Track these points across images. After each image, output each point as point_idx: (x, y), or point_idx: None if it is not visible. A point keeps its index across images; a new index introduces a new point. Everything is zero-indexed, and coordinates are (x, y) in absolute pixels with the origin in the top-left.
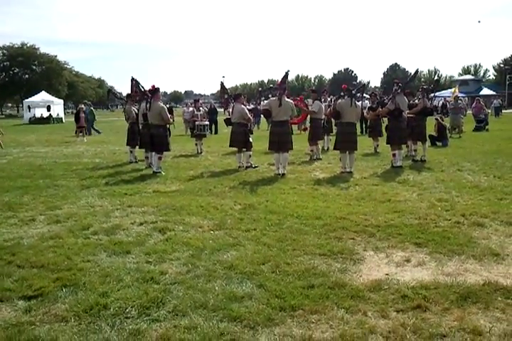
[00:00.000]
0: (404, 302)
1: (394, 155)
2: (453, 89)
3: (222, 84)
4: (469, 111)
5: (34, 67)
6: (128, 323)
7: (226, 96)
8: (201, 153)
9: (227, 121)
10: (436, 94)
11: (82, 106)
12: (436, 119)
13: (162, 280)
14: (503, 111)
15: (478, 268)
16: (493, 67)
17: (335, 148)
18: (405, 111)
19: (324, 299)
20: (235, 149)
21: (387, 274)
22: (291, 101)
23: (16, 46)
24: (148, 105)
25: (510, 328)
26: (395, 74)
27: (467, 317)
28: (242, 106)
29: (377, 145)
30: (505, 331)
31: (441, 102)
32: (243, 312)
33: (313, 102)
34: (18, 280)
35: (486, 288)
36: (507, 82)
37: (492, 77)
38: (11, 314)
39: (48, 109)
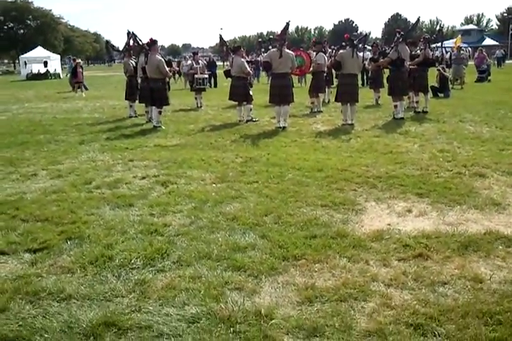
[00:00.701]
0: (406, 251)
1: (395, 106)
2: (455, 40)
3: (220, 36)
4: (471, 62)
5: (29, 22)
6: (133, 274)
7: (225, 48)
8: (201, 106)
9: (227, 73)
10: (439, 44)
11: (79, 60)
12: (438, 70)
13: (166, 232)
14: (505, 61)
15: (480, 218)
16: (496, 17)
17: (336, 100)
18: (407, 61)
19: (326, 249)
20: (235, 103)
21: (388, 224)
22: (292, 52)
23: (9, 0)
24: (146, 58)
25: (510, 276)
26: (396, 25)
27: (468, 265)
28: (242, 59)
29: (379, 97)
30: (505, 278)
31: (446, 53)
32: (247, 262)
33: (316, 54)
34: (23, 234)
35: (487, 236)
36: (510, 32)
37: (495, 26)
38: (17, 266)
39: (45, 64)
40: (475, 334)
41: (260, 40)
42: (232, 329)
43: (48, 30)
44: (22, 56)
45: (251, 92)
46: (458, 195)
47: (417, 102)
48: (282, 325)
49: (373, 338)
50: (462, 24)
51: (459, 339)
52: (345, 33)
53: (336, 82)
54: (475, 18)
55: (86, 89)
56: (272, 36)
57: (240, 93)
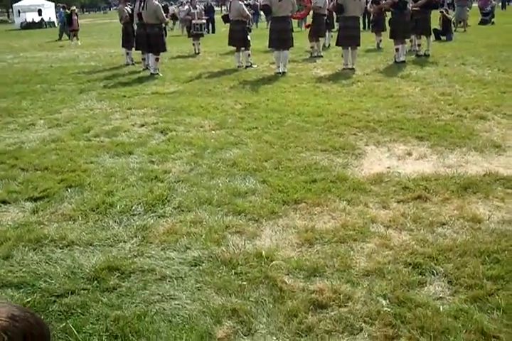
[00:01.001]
0: (405, 194)
1: (397, 49)
2: None
3: None
4: (475, 4)
5: None
6: (135, 220)
7: None
8: (199, 53)
9: (225, 18)
10: None
11: (74, 8)
12: (441, 12)
13: (166, 179)
14: (510, 3)
15: (479, 160)
16: None
17: (337, 44)
18: (410, 3)
19: (326, 192)
20: (233, 49)
21: (388, 167)
22: None
23: None
24: (142, 4)
25: (508, 216)
26: None
27: (467, 206)
28: (240, 2)
29: (380, 41)
30: (503, 218)
31: None
32: (247, 207)
33: None
34: (23, 183)
35: (487, 178)
36: None
37: None
38: (19, 215)
39: (39, 13)
40: (473, 273)
41: None
42: (233, 271)
43: None
44: (15, 4)
45: (249, 37)
46: (458, 137)
47: (419, 45)
48: (283, 266)
49: (372, 277)
50: None
51: (457, 278)
52: None
53: (336, 25)
54: None
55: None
56: None
57: (239, 38)
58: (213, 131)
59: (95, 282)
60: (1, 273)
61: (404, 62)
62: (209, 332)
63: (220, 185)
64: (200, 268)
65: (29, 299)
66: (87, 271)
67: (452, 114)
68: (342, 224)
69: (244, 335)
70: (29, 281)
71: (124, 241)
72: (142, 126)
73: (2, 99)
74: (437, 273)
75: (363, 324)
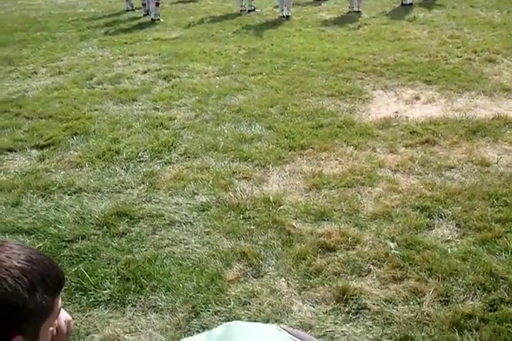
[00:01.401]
0: (413, 138)
1: None
2: None
3: None
4: None
5: None
6: (141, 166)
7: None
8: None
9: None
10: None
11: None
12: None
13: (171, 126)
14: None
15: (488, 103)
16: None
17: None
18: None
19: (333, 137)
20: None
21: (396, 112)
22: None
23: None
24: None
25: None
26: None
27: (475, 149)
28: None
29: None
30: None
31: None
32: (253, 153)
33: None
34: (28, 131)
35: (495, 122)
36: None
37: None
38: (25, 163)
39: None
40: (481, 215)
41: None
42: (241, 215)
43: None
44: None
45: None
46: (467, 81)
47: None
48: (290, 210)
49: (380, 220)
50: None
51: (465, 220)
52: None
53: None
54: None
55: None
56: None
57: None
58: (217, 77)
59: (105, 227)
60: (11, 220)
61: (411, 4)
62: (219, 275)
63: (226, 131)
64: (209, 213)
65: (40, 244)
66: (96, 216)
67: (461, 57)
68: (349, 169)
69: (254, 277)
70: (39, 227)
71: (131, 188)
72: (145, 72)
73: (2, 48)
74: (445, 216)
75: (371, 266)
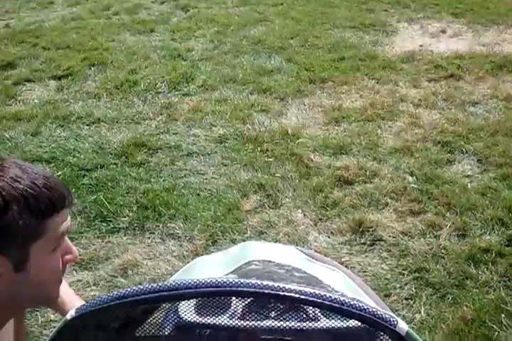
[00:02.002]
0: (437, 72)
1: None
2: None
3: None
4: None
5: None
6: (159, 98)
7: None
8: None
9: None
10: None
11: None
12: None
13: (189, 57)
14: None
15: None
16: None
17: None
18: None
19: (355, 71)
20: None
21: (421, 45)
22: None
23: None
24: None
25: None
26: None
27: (501, 85)
28: None
29: None
30: None
31: None
32: (273, 85)
33: None
34: (46, 62)
35: None
36: None
37: None
38: (44, 93)
39: None
40: (503, 151)
41: None
42: (259, 148)
43: None
44: None
45: None
46: (496, 14)
47: None
48: (309, 143)
49: (400, 155)
50: None
51: (487, 156)
52: None
53: None
54: None
55: None
56: None
57: None
58: (236, 8)
59: (123, 157)
60: (31, 149)
61: None
62: (236, 205)
63: (245, 63)
64: (226, 145)
65: (60, 173)
66: (115, 146)
67: None
68: (370, 103)
69: (271, 208)
70: (59, 156)
71: (149, 119)
72: (163, 3)
73: None
74: (467, 152)
75: (389, 199)
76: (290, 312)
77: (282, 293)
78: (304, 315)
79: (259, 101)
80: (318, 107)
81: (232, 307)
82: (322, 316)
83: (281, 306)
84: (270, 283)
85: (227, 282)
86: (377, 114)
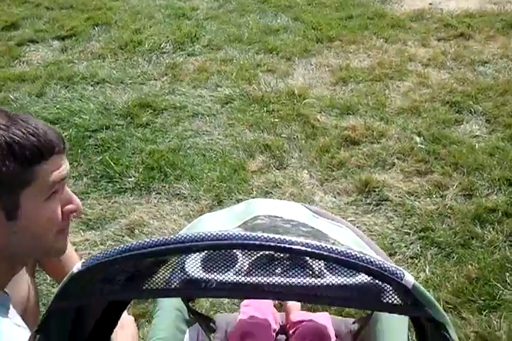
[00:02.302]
0: (447, 31)
1: None
2: None
3: None
4: None
5: None
6: (164, 58)
7: None
8: None
9: None
10: None
11: None
12: None
13: (194, 16)
14: None
15: None
16: None
17: None
18: None
19: (363, 29)
20: None
21: (430, 3)
22: None
23: None
24: None
25: None
26: None
27: (511, 44)
28: None
29: None
30: None
31: None
32: (279, 45)
33: None
34: (49, 22)
35: None
36: None
37: None
38: (48, 53)
39: None
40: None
41: None
42: (265, 108)
43: None
44: None
45: None
46: None
47: None
48: (315, 104)
49: (407, 115)
50: None
51: (496, 116)
52: None
53: None
54: None
55: None
56: None
57: None
58: None
59: (128, 118)
60: (36, 110)
61: None
62: (242, 166)
63: (251, 22)
64: (232, 105)
65: (65, 134)
66: (120, 107)
67: None
68: (378, 63)
69: (277, 169)
70: (64, 117)
71: (154, 79)
72: None
73: None
74: (475, 112)
75: (396, 160)
76: (296, 269)
77: (288, 246)
78: (310, 272)
79: (265, 61)
80: (325, 67)
81: (239, 264)
82: (328, 272)
83: (287, 263)
84: (276, 236)
85: (233, 235)
86: (385, 74)
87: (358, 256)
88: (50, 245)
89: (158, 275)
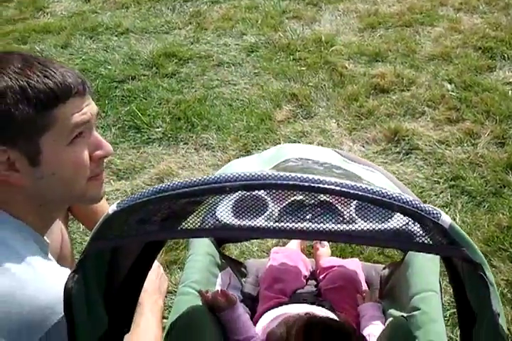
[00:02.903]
0: None
1: None
2: None
3: None
4: None
5: None
6: (188, 6)
7: None
8: None
9: None
10: None
11: None
12: None
13: None
14: None
15: None
16: None
17: None
18: None
19: None
20: None
21: None
22: None
23: None
24: None
25: None
26: None
27: None
28: None
29: None
30: None
31: None
32: None
33: None
34: None
35: None
36: None
37: None
38: (71, 4)
39: None
40: None
41: None
42: (291, 56)
43: None
44: None
45: None
46: None
47: None
48: (343, 51)
49: (438, 62)
50: None
51: None
52: None
53: None
54: None
55: None
56: None
57: None
58: None
59: (154, 68)
60: (62, 61)
61: None
62: (269, 115)
63: None
64: (258, 54)
65: (92, 85)
66: (145, 57)
67: None
68: (408, 8)
69: (304, 118)
70: (90, 68)
71: (178, 28)
72: None
73: None
74: (509, 58)
75: (426, 108)
76: (326, 216)
77: (323, 186)
78: (340, 218)
79: (291, 8)
80: (353, 12)
81: (269, 211)
82: (359, 219)
83: (318, 209)
84: (310, 176)
85: (268, 175)
86: (415, 19)
87: (394, 195)
88: (83, 191)
89: (193, 216)
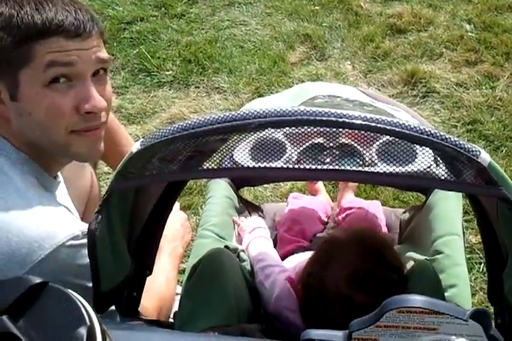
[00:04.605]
0: None
1: None
2: None
3: None
4: None
5: None
6: None
7: None
8: None
9: None
10: None
11: None
12: None
13: None
14: None
15: None
16: None
17: None
18: None
19: None
20: None
21: None
22: None
23: None
24: None
25: None
26: None
27: None
28: None
29: None
30: None
31: None
32: None
33: None
34: None
35: None
36: None
37: None
38: None
39: None
40: None
41: None
42: None
43: None
44: None
45: None
46: None
47: None
48: None
49: (457, 1)
50: None
51: None
52: None
53: None
54: None
55: None
56: None
57: None
58: None
59: (163, 9)
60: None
61: None
62: (282, 57)
63: None
64: None
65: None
66: None
67: None
68: None
69: (318, 60)
70: (97, 10)
71: None
72: None
73: None
74: None
75: (444, 49)
76: (346, 159)
77: (358, 122)
78: (361, 162)
79: None
80: None
81: (287, 154)
82: (379, 162)
83: (337, 152)
84: (344, 112)
85: (298, 111)
86: None
87: (433, 132)
88: (63, 143)
89: (216, 155)
